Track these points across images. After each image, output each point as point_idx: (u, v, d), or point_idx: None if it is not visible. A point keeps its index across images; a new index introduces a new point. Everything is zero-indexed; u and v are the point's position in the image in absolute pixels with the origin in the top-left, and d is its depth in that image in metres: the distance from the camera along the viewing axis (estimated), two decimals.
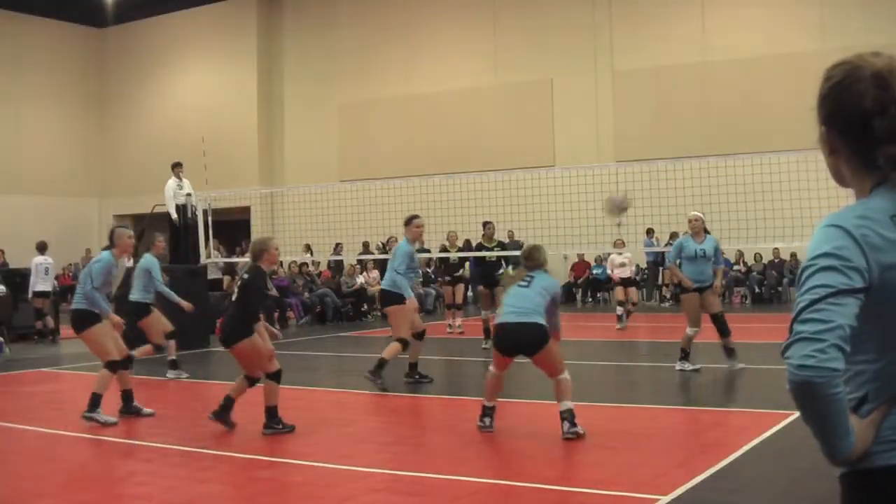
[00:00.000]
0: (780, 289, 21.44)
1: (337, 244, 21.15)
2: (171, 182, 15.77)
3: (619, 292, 16.06)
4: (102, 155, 31.96)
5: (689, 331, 9.92)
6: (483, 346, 12.63)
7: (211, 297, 15.48)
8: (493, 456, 6.47)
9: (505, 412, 8.25)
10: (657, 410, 8.18)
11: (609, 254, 16.69)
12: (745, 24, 22.41)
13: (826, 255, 1.70)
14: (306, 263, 20.20)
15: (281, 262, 21.43)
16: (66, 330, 17.28)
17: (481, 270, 13.64)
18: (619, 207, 10.76)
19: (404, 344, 9.43)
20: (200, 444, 6.94)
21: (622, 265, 15.93)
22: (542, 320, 6.75)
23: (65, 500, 5.45)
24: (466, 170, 20.32)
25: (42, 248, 16.27)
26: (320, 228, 17.99)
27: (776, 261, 21.66)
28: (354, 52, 27.40)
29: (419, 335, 9.69)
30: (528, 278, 7.01)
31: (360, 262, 20.64)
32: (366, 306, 20.15)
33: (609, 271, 15.75)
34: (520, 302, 6.82)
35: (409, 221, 9.70)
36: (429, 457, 6.65)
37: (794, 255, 21.57)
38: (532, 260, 7.14)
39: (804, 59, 20.79)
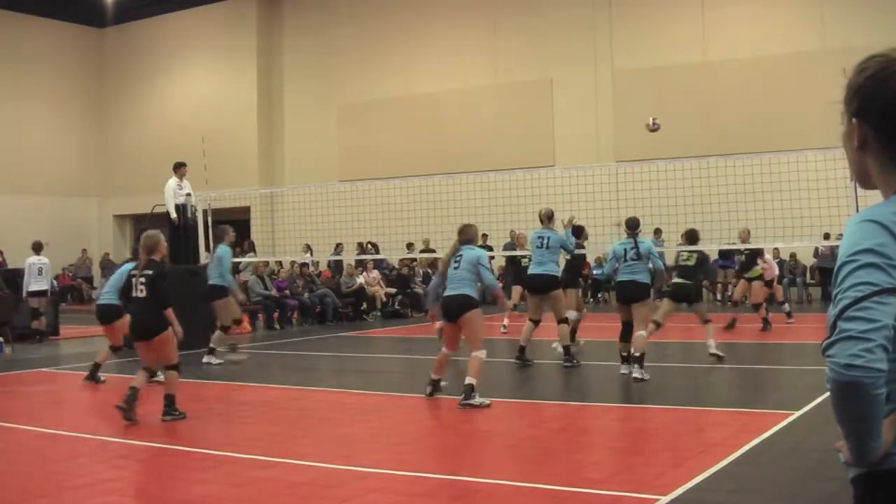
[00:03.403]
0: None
1: (337, 244, 21.14)
2: (172, 182, 15.72)
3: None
4: (102, 155, 31.95)
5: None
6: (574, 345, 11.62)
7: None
8: (494, 456, 6.47)
9: (505, 412, 8.25)
10: (657, 410, 8.17)
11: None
12: (745, 23, 22.40)
13: (868, 251, 1.67)
14: (307, 264, 20.18)
15: (280, 263, 21.45)
16: (66, 329, 17.34)
17: (568, 266, 12.56)
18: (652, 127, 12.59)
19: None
20: (198, 443, 6.94)
21: None
22: (470, 292, 8.44)
23: (64, 500, 5.45)
24: (466, 170, 20.30)
25: (37, 248, 16.23)
26: (320, 228, 17.98)
27: (776, 261, 21.60)
28: (354, 51, 27.41)
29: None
30: (457, 258, 8.58)
31: (359, 262, 20.63)
32: (365, 306, 20.15)
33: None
34: (453, 281, 8.54)
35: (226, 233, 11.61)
36: (429, 457, 6.65)
37: (793, 255, 21.54)
38: (463, 234, 8.76)
39: (805, 59, 20.83)
